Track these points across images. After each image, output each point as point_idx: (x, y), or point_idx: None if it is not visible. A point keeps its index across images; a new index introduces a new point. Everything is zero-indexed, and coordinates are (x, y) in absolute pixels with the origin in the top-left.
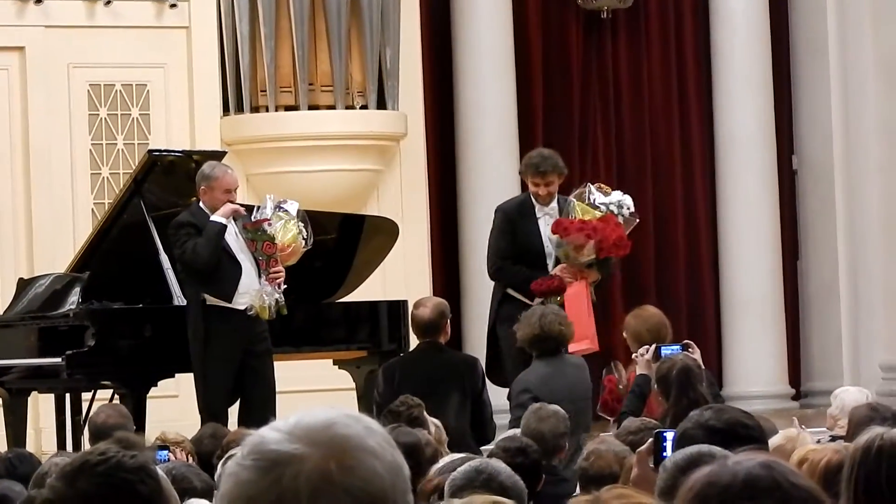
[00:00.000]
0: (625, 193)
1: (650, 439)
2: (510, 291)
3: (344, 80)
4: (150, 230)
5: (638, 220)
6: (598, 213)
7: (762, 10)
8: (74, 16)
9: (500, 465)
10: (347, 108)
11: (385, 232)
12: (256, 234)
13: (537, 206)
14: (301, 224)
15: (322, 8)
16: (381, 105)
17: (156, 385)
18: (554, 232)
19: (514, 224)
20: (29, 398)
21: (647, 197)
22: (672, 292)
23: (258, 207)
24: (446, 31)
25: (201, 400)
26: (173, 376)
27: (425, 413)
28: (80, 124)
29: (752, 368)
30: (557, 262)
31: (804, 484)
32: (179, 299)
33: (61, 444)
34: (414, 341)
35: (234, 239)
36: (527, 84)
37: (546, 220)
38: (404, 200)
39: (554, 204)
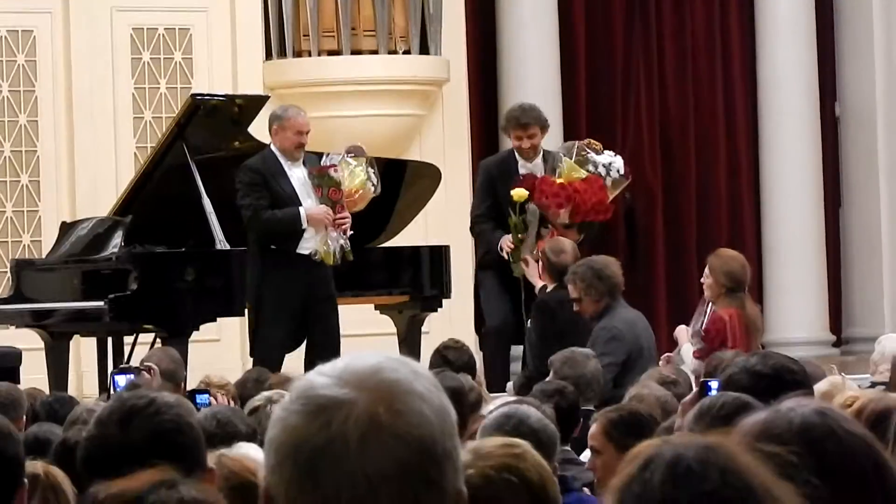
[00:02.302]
0: (617, 154)
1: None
2: None
3: (386, 25)
4: (192, 174)
5: (629, 181)
6: (583, 173)
7: None
8: None
9: (529, 410)
10: (390, 52)
11: (427, 177)
12: (323, 179)
13: (521, 162)
14: (371, 170)
15: None
16: (424, 50)
17: (198, 329)
18: (523, 186)
19: (495, 182)
20: (71, 342)
21: (688, 143)
22: (713, 240)
23: (328, 154)
24: None
25: (254, 346)
26: (215, 320)
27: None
28: (123, 68)
29: (794, 315)
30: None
31: (858, 431)
32: (222, 243)
33: (103, 388)
34: (455, 285)
35: (301, 184)
36: (569, 28)
37: None
38: (446, 145)
39: (538, 160)
